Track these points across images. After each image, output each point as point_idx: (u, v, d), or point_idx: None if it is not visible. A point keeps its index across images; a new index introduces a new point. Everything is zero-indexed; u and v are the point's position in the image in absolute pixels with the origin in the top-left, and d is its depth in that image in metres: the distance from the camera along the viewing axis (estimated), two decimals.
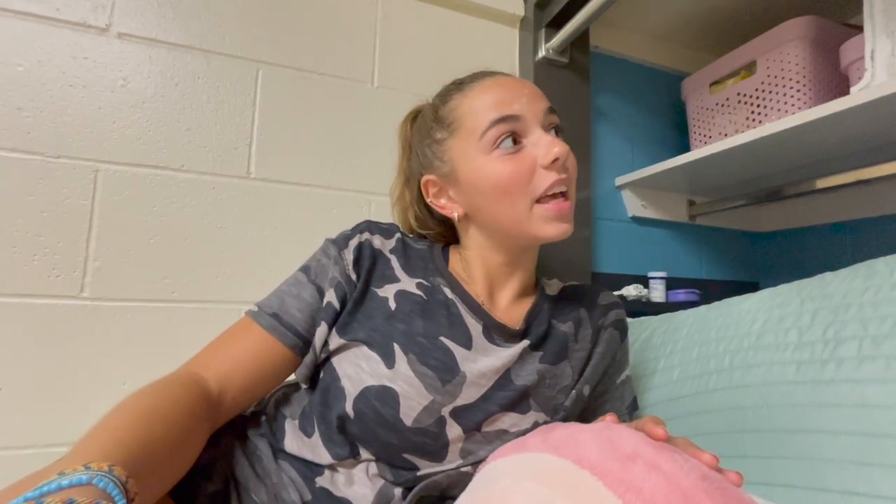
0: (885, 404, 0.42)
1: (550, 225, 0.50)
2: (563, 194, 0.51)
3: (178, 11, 0.78)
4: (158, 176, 0.74)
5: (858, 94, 0.67)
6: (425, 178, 0.57)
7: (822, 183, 0.87)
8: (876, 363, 0.45)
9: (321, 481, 0.48)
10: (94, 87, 0.72)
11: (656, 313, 0.83)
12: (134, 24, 0.75)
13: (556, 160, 0.49)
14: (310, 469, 0.48)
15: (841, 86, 0.86)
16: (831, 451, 0.44)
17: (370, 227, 0.57)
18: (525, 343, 0.52)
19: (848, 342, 0.48)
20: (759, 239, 1.27)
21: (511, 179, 0.49)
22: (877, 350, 0.45)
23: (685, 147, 1.10)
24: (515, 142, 0.50)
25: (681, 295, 1.07)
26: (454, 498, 0.48)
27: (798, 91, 0.85)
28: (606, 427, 0.37)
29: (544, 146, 0.50)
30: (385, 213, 0.88)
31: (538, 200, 0.50)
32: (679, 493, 0.27)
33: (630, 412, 0.60)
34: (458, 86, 0.56)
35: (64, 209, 0.69)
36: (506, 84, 0.53)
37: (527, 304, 0.58)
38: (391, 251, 0.56)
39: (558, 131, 0.53)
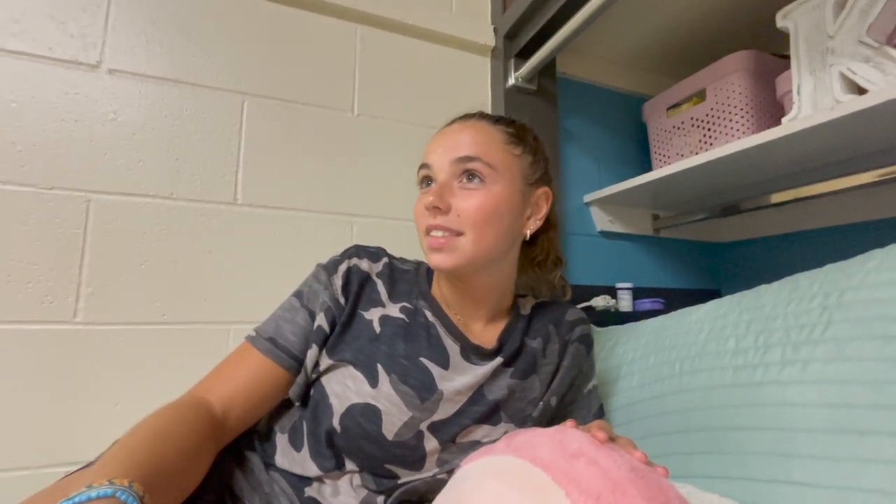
0: (801, 402, 0.49)
1: (430, 255, 0.56)
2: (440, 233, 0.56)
3: (167, 47, 0.82)
4: (149, 204, 0.78)
5: (788, 125, 0.75)
6: None
7: (775, 198, 0.95)
8: (794, 367, 0.51)
9: (310, 492, 0.52)
10: (85, 121, 0.76)
11: (624, 322, 0.90)
12: (124, 61, 0.79)
13: (429, 207, 0.55)
14: (299, 480, 0.53)
15: (779, 114, 0.94)
16: (757, 445, 0.51)
17: (358, 251, 0.61)
18: (498, 360, 0.58)
19: (774, 348, 0.55)
20: (719, 249, 1.36)
21: (414, 214, 0.59)
22: (796, 355, 0.52)
23: (649, 165, 1.18)
24: (427, 184, 0.59)
25: (647, 304, 1.14)
26: (431, 502, 0.53)
27: (742, 118, 0.93)
28: (560, 430, 0.43)
29: None
30: (367, 234, 0.93)
31: (427, 233, 0.57)
32: (610, 483, 0.33)
33: (597, 419, 0.65)
34: None
35: (57, 238, 0.72)
36: (440, 134, 0.60)
37: (501, 324, 0.63)
38: (378, 275, 0.61)
39: (472, 176, 0.56)
